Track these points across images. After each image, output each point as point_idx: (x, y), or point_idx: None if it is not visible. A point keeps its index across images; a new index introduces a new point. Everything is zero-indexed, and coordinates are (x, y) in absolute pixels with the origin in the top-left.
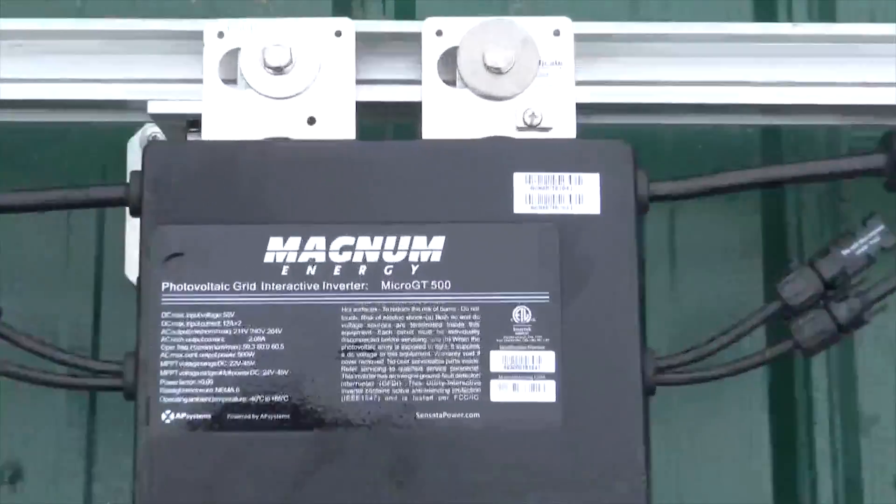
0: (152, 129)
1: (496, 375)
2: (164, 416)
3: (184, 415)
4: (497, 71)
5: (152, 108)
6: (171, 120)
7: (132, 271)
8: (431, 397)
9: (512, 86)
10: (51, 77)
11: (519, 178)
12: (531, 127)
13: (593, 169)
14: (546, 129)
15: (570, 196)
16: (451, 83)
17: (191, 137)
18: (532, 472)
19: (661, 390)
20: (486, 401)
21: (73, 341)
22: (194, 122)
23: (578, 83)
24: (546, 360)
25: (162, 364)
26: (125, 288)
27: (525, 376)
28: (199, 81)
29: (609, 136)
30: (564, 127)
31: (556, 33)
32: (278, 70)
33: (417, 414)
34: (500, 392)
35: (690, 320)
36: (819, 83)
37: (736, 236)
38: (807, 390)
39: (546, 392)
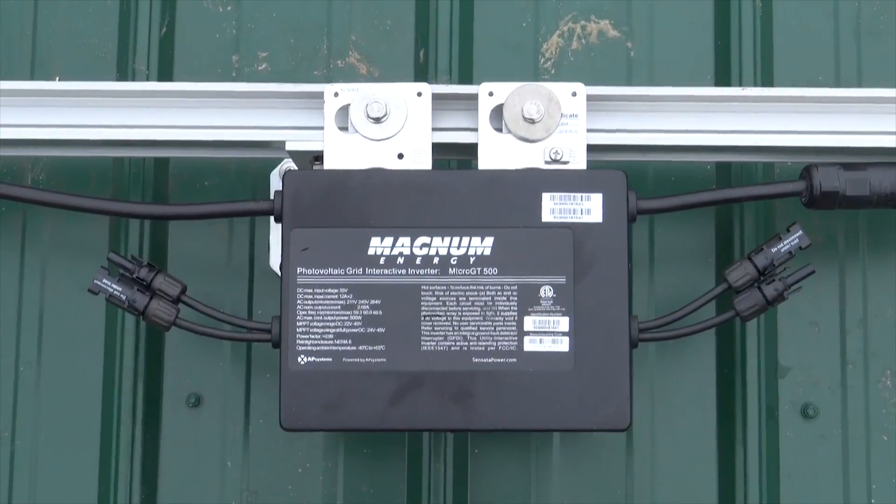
0: (288, 164)
1: (528, 333)
2: (299, 360)
3: (313, 358)
4: (531, 121)
5: (289, 147)
6: (301, 155)
7: (275, 262)
8: (483, 347)
9: (541, 132)
10: (217, 125)
11: (546, 197)
12: (555, 161)
13: (598, 190)
14: (565, 163)
15: (581, 209)
16: (499, 130)
17: (316, 167)
18: (551, 400)
19: (642, 346)
20: (521, 350)
21: (234, 310)
22: (318, 156)
23: (589, 130)
24: (563, 323)
25: (298, 324)
26: (269, 274)
27: (548, 334)
28: (321, 128)
29: (610, 168)
30: (578, 161)
31: (574, 94)
32: (377, 120)
33: (473, 359)
34: (531, 344)
35: (664, 298)
36: (760, 131)
37: (696, 241)
38: (742, 347)
39: (563, 345)
